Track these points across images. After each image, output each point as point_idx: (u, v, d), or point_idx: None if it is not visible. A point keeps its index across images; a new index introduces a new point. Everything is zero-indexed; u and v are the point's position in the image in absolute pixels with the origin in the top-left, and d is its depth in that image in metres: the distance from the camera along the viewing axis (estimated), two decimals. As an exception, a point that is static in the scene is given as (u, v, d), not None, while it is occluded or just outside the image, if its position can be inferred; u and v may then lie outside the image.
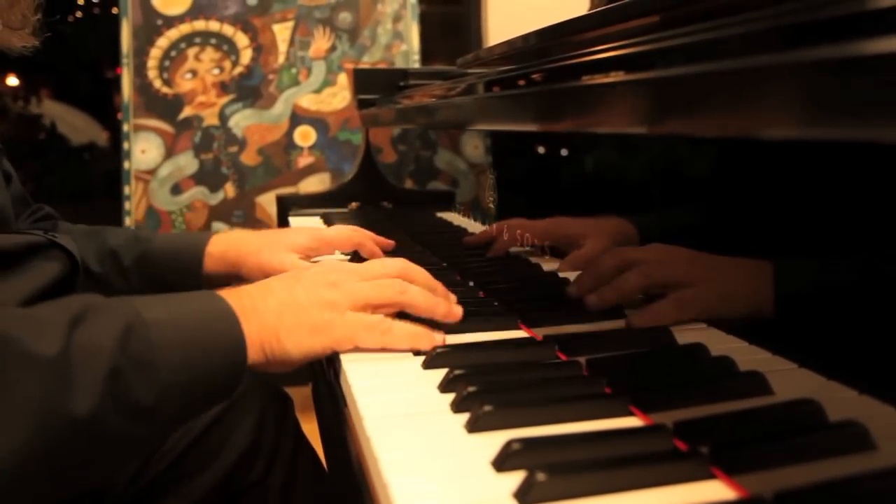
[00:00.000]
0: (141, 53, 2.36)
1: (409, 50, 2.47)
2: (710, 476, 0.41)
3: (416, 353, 0.63)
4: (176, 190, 2.37)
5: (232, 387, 0.60)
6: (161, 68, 2.37)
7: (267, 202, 2.38)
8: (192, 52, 2.38)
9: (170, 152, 2.36)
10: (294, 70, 2.43)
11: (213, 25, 2.40)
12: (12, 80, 4.00)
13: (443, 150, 1.36)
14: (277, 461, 0.87)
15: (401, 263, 0.70)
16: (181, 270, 0.96)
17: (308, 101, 2.43)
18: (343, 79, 2.44)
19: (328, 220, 1.35)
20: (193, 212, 2.37)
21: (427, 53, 2.50)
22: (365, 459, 0.48)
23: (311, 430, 0.88)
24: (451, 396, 0.53)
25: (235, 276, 0.96)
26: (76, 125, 4.03)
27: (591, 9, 0.95)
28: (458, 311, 0.68)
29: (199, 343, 0.57)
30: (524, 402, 0.51)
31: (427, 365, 0.60)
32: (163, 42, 2.37)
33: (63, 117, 4.01)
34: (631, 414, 0.49)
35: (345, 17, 2.45)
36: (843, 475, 0.39)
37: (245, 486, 0.85)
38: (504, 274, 0.93)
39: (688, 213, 0.68)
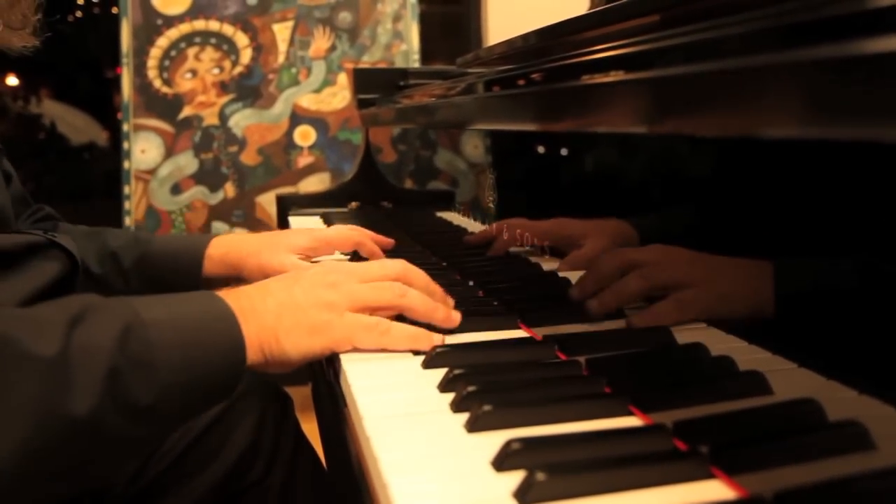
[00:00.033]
0: (141, 53, 2.36)
1: (408, 50, 2.47)
2: (709, 476, 0.41)
3: (416, 352, 0.63)
4: (176, 190, 2.37)
5: (231, 387, 0.60)
6: (161, 68, 2.36)
7: (267, 202, 2.38)
8: (191, 51, 2.38)
9: (170, 152, 2.36)
10: (294, 70, 2.43)
11: (213, 25, 2.40)
12: (12, 80, 4.00)
13: (443, 150, 1.36)
14: (277, 461, 0.87)
15: (400, 265, 0.70)
16: (181, 273, 0.96)
17: (308, 101, 2.43)
18: (343, 78, 2.44)
19: (328, 220, 1.35)
20: (193, 211, 2.37)
21: (427, 53, 2.50)
22: (365, 459, 0.48)
23: (310, 429, 0.88)
24: (450, 396, 0.53)
25: (235, 279, 0.96)
26: (76, 125, 4.03)
27: (590, 8, 0.95)
28: (456, 317, 0.68)
29: (198, 343, 0.57)
30: (524, 402, 0.51)
31: (427, 365, 0.60)
32: (163, 42, 2.37)
33: (63, 117, 4.01)
34: (630, 414, 0.49)
35: (345, 17, 2.45)
36: (842, 475, 0.39)
37: (245, 485, 0.85)
38: (504, 274, 0.93)
39: (688, 213, 0.68)
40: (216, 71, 2.39)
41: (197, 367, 0.57)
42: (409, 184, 1.53)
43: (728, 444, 0.42)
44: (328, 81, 2.44)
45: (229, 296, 0.62)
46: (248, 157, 2.40)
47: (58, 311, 0.54)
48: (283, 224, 1.50)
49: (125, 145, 2.35)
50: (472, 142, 1.20)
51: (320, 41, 2.45)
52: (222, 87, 2.39)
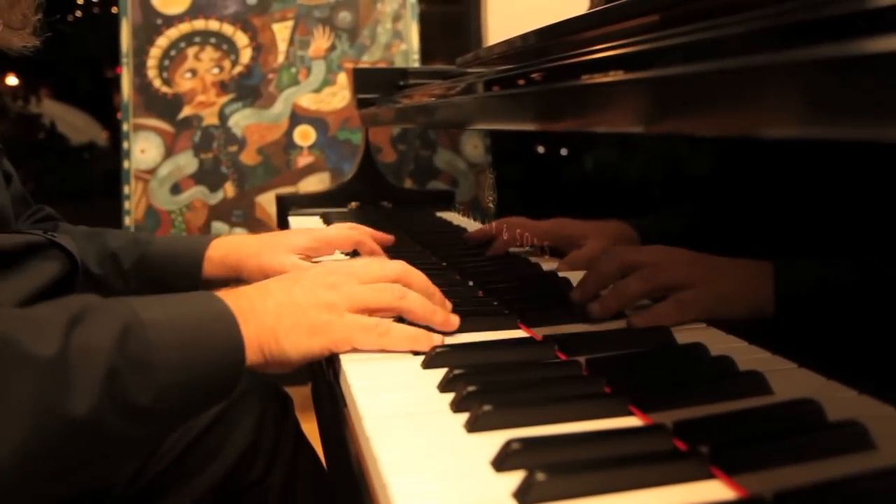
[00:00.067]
0: (140, 53, 2.36)
1: (408, 49, 2.47)
2: (709, 476, 0.41)
3: (416, 353, 0.63)
4: (175, 189, 2.37)
5: (230, 387, 0.60)
6: (161, 68, 2.36)
7: (267, 202, 2.38)
8: (191, 51, 2.38)
9: (169, 152, 2.36)
10: (294, 69, 2.43)
11: (213, 25, 2.40)
12: (12, 80, 4.00)
13: (442, 150, 1.36)
14: (277, 461, 0.87)
15: (400, 266, 0.70)
16: (180, 274, 0.96)
17: (308, 101, 2.43)
18: (343, 78, 2.44)
19: (328, 220, 1.35)
20: (193, 211, 2.37)
21: (427, 53, 2.50)
22: (364, 459, 0.48)
23: (310, 429, 0.88)
24: (450, 396, 0.53)
25: (235, 280, 0.96)
26: (76, 125, 4.02)
27: (590, 8, 0.95)
28: (454, 321, 0.68)
29: (197, 344, 0.57)
30: (524, 402, 0.51)
31: (426, 365, 0.60)
32: (162, 41, 2.37)
33: (63, 117, 4.01)
34: (630, 414, 0.49)
35: (344, 17, 2.45)
36: (842, 475, 0.39)
37: (245, 485, 0.85)
38: (503, 273, 0.93)
39: (688, 214, 0.68)
40: (216, 71, 2.39)
41: (196, 368, 0.57)
42: (408, 184, 1.53)
43: (728, 444, 0.42)
44: (328, 81, 2.44)
45: (228, 296, 0.62)
46: (248, 157, 2.40)
47: (57, 311, 0.54)
48: (282, 224, 1.50)
49: (125, 145, 2.35)
50: (472, 142, 1.20)
51: (320, 41, 2.44)
52: (222, 87, 2.39)
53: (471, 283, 0.85)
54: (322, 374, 0.71)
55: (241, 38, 2.41)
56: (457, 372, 0.56)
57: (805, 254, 0.55)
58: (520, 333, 0.68)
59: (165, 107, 2.36)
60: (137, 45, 2.36)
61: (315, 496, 0.90)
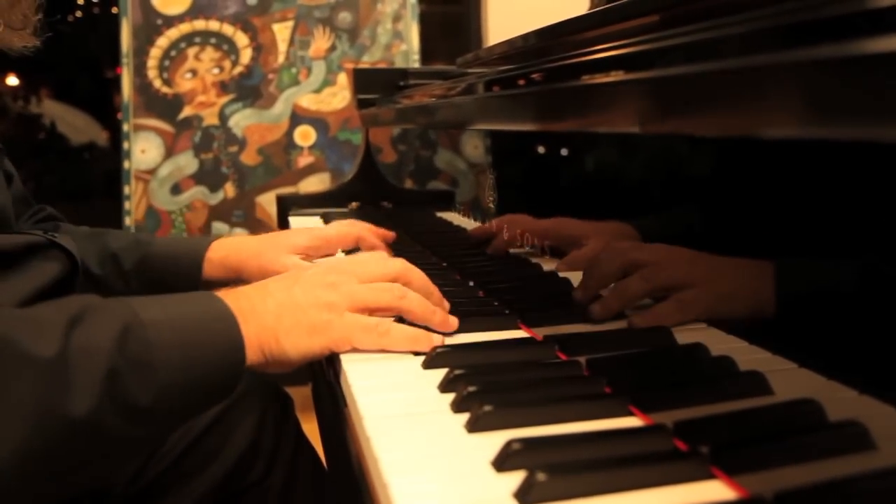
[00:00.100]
0: (141, 53, 2.36)
1: (408, 50, 2.47)
2: (710, 476, 0.41)
3: (416, 353, 0.63)
4: (176, 190, 2.37)
5: (230, 387, 0.60)
6: (161, 68, 2.36)
7: (267, 202, 2.38)
8: (191, 51, 2.38)
9: (170, 152, 2.36)
10: (294, 70, 2.43)
11: (213, 25, 2.40)
12: (12, 80, 4.00)
13: (443, 150, 1.36)
14: (278, 461, 0.87)
15: (400, 265, 0.70)
16: (180, 275, 0.96)
17: (308, 101, 2.43)
18: (343, 78, 2.44)
19: (328, 220, 1.35)
20: (193, 211, 2.37)
21: (427, 53, 2.50)
22: (365, 459, 0.48)
23: (311, 429, 0.88)
24: (451, 396, 0.53)
25: (236, 282, 0.95)
26: (76, 125, 4.03)
27: (590, 8, 0.95)
28: (453, 322, 0.68)
29: (197, 344, 0.57)
30: (524, 402, 0.51)
31: (427, 365, 0.60)
32: (163, 42, 2.37)
33: (63, 117, 4.01)
34: (631, 414, 0.49)
35: (345, 17, 2.45)
36: (843, 475, 0.39)
37: (245, 486, 0.85)
38: (504, 274, 0.93)
39: (689, 214, 0.68)
40: (216, 71, 2.39)
41: (196, 368, 0.57)
42: (409, 184, 1.53)
43: (728, 444, 0.42)
44: (328, 81, 2.44)
45: (229, 296, 0.62)
46: (249, 157, 2.40)
47: (57, 311, 0.54)
48: (283, 224, 1.50)
49: (125, 145, 2.35)
50: (473, 142, 1.20)
51: (320, 41, 2.45)
52: (222, 87, 2.39)
53: (471, 284, 0.85)
54: (322, 374, 0.71)
55: (242, 39, 2.41)
56: (457, 372, 0.56)
57: (806, 254, 0.55)
58: (520, 333, 0.68)
59: (166, 107, 2.36)
60: (138, 46, 2.36)
61: (315, 496, 0.90)
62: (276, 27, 2.43)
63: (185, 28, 2.38)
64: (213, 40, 2.40)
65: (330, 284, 0.65)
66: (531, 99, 0.68)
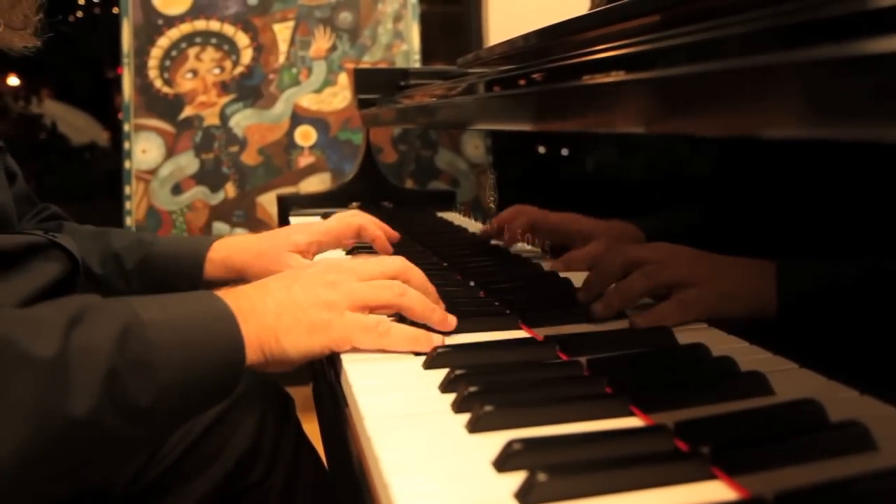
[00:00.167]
0: (141, 53, 2.36)
1: (409, 50, 2.47)
2: (710, 476, 0.41)
3: (417, 353, 0.63)
4: (177, 190, 2.37)
5: (231, 387, 0.60)
6: (162, 68, 2.37)
7: (268, 202, 2.38)
8: (192, 51, 2.38)
9: (170, 152, 2.36)
10: (294, 70, 2.43)
11: (214, 25, 2.40)
12: (13, 80, 4.00)
13: (443, 150, 1.36)
14: (278, 461, 0.87)
15: (399, 262, 0.70)
16: (181, 275, 0.95)
17: (308, 101, 2.43)
18: (343, 78, 2.44)
19: (328, 220, 1.35)
20: (194, 212, 2.37)
21: (427, 53, 2.50)
22: (366, 459, 0.48)
23: (312, 429, 0.88)
24: (451, 396, 0.53)
25: (237, 282, 0.95)
26: (77, 125, 4.03)
27: (591, 8, 0.95)
28: (452, 321, 0.68)
29: (197, 343, 0.57)
30: (525, 403, 0.51)
31: (428, 365, 0.60)
32: (163, 42, 2.37)
33: (64, 117, 4.02)
34: (632, 414, 0.49)
35: (345, 17, 2.45)
36: (844, 476, 0.39)
37: (246, 486, 0.85)
38: (504, 274, 0.93)
39: (691, 214, 0.68)
40: (217, 71, 2.39)
41: (196, 368, 0.57)
42: (409, 184, 1.53)
43: (729, 444, 0.42)
44: (329, 81, 2.44)
45: (228, 296, 0.62)
46: (249, 158, 2.40)
47: (56, 311, 0.54)
48: (283, 224, 1.50)
49: (126, 145, 2.35)
50: (473, 142, 1.20)
51: (321, 41, 2.45)
52: (223, 88, 2.39)
53: (472, 284, 0.85)
54: (323, 374, 0.71)
55: (242, 39, 2.41)
56: (458, 372, 0.56)
57: (807, 254, 0.55)
58: (521, 334, 0.68)
59: (166, 107, 2.36)
60: (138, 46, 2.36)
61: (316, 497, 0.90)
62: (276, 27, 2.43)
63: (185, 28, 2.38)
64: (213, 40, 2.40)
65: (330, 283, 0.65)
66: (532, 99, 0.68)
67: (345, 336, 0.63)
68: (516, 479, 0.41)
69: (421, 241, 1.13)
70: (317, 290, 0.64)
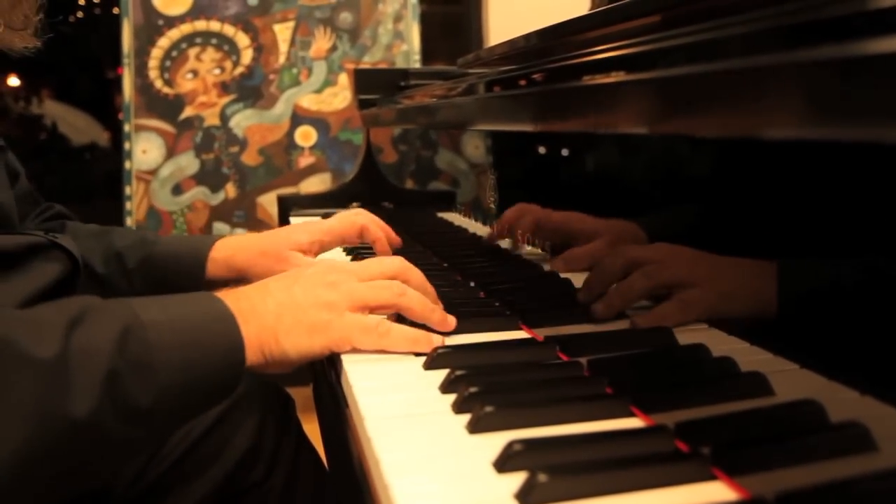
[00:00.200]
0: (142, 53, 2.36)
1: (409, 50, 2.47)
2: (711, 477, 0.41)
3: (417, 354, 0.63)
4: (177, 190, 2.37)
5: (231, 388, 0.60)
6: (162, 68, 2.37)
7: (268, 202, 2.38)
8: (192, 52, 2.38)
9: (171, 152, 2.36)
10: (295, 70, 2.43)
11: (214, 25, 2.40)
12: (13, 81, 4.00)
13: (444, 151, 1.36)
14: (279, 462, 0.87)
15: (398, 262, 0.70)
16: (183, 275, 0.95)
17: (309, 101, 2.43)
18: (344, 79, 2.44)
19: (329, 221, 1.35)
20: (194, 212, 2.37)
21: (428, 53, 2.50)
22: (366, 460, 0.48)
23: (312, 430, 0.88)
24: (452, 397, 0.53)
25: (239, 281, 0.95)
26: (77, 125, 4.03)
27: (592, 9, 0.95)
28: (451, 321, 0.68)
29: (197, 344, 0.57)
30: (525, 403, 0.51)
31: (428, 366, 0.60)
32: (164, 42, 2.37)
33: (64, 117, 4.02)
34: (632, 415, 0.49)
35: (345, 17, 2.45)
36: (844, 476, 0.39)
37: (246, 487, 0.85)
38: (505, 274, 0.93)
39: (692, 214, 0.68)
40: (217, 71, 2.39)
41: (196, 369, 0.57)
42: (410, 184, 1.53)
43: (730, 445, 0.42)
44: (329, 82, 2.44)
45: (228, 296, 0.62)
46: (249, 158, 2.40)
47: (57, 312, 0.54)
48: (284, 225, 1.50)
49: (126, 146, 2.35)
50: (474, 142, 1.20)
51: (321, 41, 2.45)
52: (223, 88, 2.39)
53: (472, 284, 0.85)
54: (323, 374, 0.71)
55: (243, 39, 2.41)
56: (458, 373, 0.55)
57: (808, 254, 0.55)
58: (521, 334, 0.68)
59: (167, 107, 2.36)
60: (139, 46, 2.36)
61: (316, 497, 0.90)
62: (276, 27, 2.43)
63: (186, 28, 2.38)
64: (214, 41, 2.40)
65: (330, 284, 0.65)
66: (532, 99, 0.68)
67: (344, 336, 0.63)
68: (517, 479, 0.41)
69: (421, 241, 1.13)
70: (317, 290, 0.64)
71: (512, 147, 1.06)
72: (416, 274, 0.70)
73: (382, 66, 2.44)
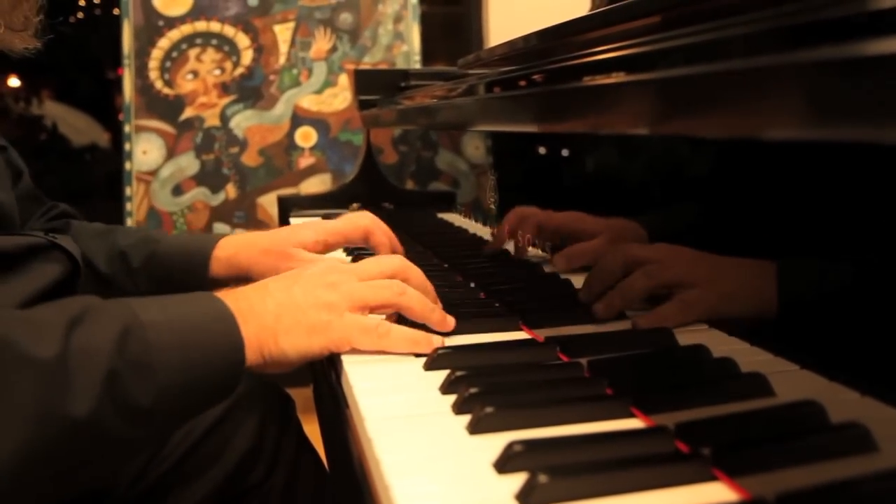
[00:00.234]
0: (142, 54, 2.36)
1: (409, 51, 2.47)
2: (711, 478, 0.41)
3: (417, 354, 0.63)
4: (177, 191, 2.37)
5: (230, 388, 0.60)
6: (162, 69, 2.37)
7: (268, 203, 2.38)
8: (193, 52, 2.38)
9: (171, 153, 2.36)
10: (295, 71, 2.43)
11: (215, 26, 2.40)
12: (14, 82, 4.00)
13: (444, 151, 1.36)
14: (279, 463, 0.87)
15: (398, 262, 0.70)
16: (187, 273, 0.94)
17: (309, 102, 2.43)
18: (344, 79, 2.44)
19: (329, 221, 1.35)
20: (194, 213, 2.37)
21: (428, 54, 2.50)
22: (366, 461, 0.48)
23: (312, 430, 0.88)
24: (452, 398, 0.53)
25: (243, 280, 0.94)
26: (77, 126, 4.03)
27: (592, 9, 0.95)
28: (450, 321, 0.68)
29: (196, 344, 0.57)
30: (526, 404, 0.51)
31: (428, 366, 0.60)
32: (164, 43, 2.37)
33: (64, 118, 4.02)
34: (632, 415, 0.49)
35: (346, 18, 2.45)
36: (844, 477, 0.39)
37: (246, 487, 0.85)
38: (505, 275, 0.93)
39: (692, 214, 0.68)
40: (217, 72, 2.39)
41: (196, 369, 0.57)
42: (410, 185, 1.53)
43: (730, 446, 0.42)
44: (329, 82, 2.44)
45: (228, 297, 0.62)
46: (250, 159, 2.40)
47: (56, 312, 0.54)
48: (284, 225, 1.50)
49: (126, 146, 2.35)
50: (474, 143, 1.20)
51: (321, 42, 2.45)
52: (223, 89, 2.39)
53: (472, 285, 0.85)
54: (324, 375, 0.71)
55: (243, 40, 2.41)
56: (459, 374, 0.56)
57: (808, 255, 0.55)
58: (521, 335, 0.68)
59: (167, 108, 2.36)
60: (139, 47, 2.36)
61: (317, 498, 0.90)
62: (277, 28, 2.43)
63: (186, 29, 2.38)
64: (214, 41, 2.40)
65: (330, 284, 0.65)
66: (532, 100, 0.68)
67: (344, 337, 0.63)
68: (517, 480, 0.41)
69: (421, 242, 1.13)
70: (317, 291, 0.64)
71: (512, 148, 1.06)
72: (416, 273, 0.70)
73: (383, 66, 2.44)
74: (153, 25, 2.37)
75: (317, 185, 2.40)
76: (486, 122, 0.92)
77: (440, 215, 1.34)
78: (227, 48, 2.40)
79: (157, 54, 2.37)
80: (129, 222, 2.33)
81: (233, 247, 0.95)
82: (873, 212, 0.49)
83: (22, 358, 0.50)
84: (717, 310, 0.65)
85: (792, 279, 0.56)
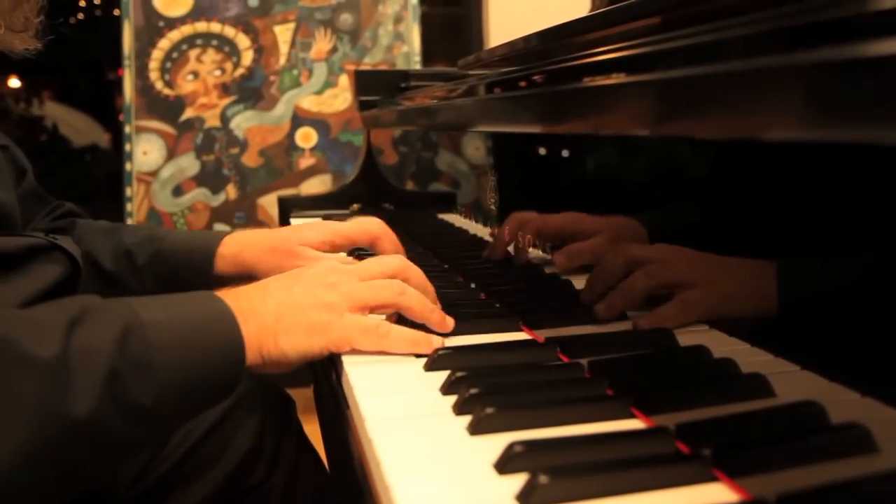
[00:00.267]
0: (142, 55, 2.36)
1: (410, 51, 2.47)
2: (712, 478, 0.41)
3: (418, 355, 0.63)
4: (177, 191, 2.37)
5: (231, 387, 0.60)
6: (162, 70, 2.37)
7: (268, 203, 2.38)
8: (193, 53, 2.38)
9: (171, 154, 2.36)
10: (295, 71, 2.43)
11: (215, 27, 2.40)
12: (14, 82, 4.00)
13: (444, 152, 1.36)
14: (280, 463, 0.87)
15: (398, 261, 0.70)
16: (192, 270, 0.94)
17: (309, 103, 2.43)
18: (344, 80, 2.44)
19: (329, 222, 1.35)
20: (195, 213, 2.37)
21: (428, 55, 2.50)
22: (367, 461, 0.48)
23: (312, 431, 0.88)
24: (452, 398, 0.53)
25: (248, 278, 0.93)
26: (78, 127, 4.03)
27: (592, 10, 0.95)
28: (450, 322, 0.67)
29: (197, 344, 0.57)
30: (526, 405, 0.51)
31: (429, 367, 0.60)
32: (164, 44, 2.37)
33: (65, 119, 4.02)
34: (633, 416, 0.49)
35: (346, 19, 2.46)
36: (845, 477, 0.39)
37: (247, 488, 0.85)
38: (505, 276, 0.93)
39: (693, 214, 0.68)
40: (218, 73, 2.39)
41: (196, 368, 0.57)
42: (410, 185, 1.53)
43: (730, 446, 0.42)
44: (329, 83, 2.44)
45: (229, 296, 0.62)
46: (250, 159, 2.40)
47: (57, 312, 0.54)
48: (284, 226, 1.50)
49: (127, 147, 2.35)
50: (474, 143, 1.20)
51: (321, 43, 2.45)
52: (224, 89, 2.39)
53: (473, 286, 0.85)
54: (324, 375, 0.71)
55: (243, 41, 2.41)
56: (459, 374, 0.56)
57: (809, 255, 0.55)
58: (522, 336, 0.68)
59: (167, 109, 2.36)
60: (139, 48, 2.36)
61: (317, 499, 0.90)
62: (277, 29, 2.43)
63: (186, 30, 2.38)
64: (214, 42, 2.40)
65: (330, 284, 0.65)
66: (533, 101, 0.68)
67: (344, 337, 0.63)
68: (518, 481, 0.41)
69: (422, 242, 1.13)
70: (317, 291, 0.64)
71: (512, 148, 1.06)
72: (417, 273, 0.70)
73: (383, 67, 2.44)
74: (153, 26, 2.37)
75: (317, 185, 2.40)
76: (487, 122, 0.92)
77: (440, 216, 1.34)
78: (228, 49, 2.40)
79: (157, 55, 2.37)
80: (130, 223, 2.33)
81: (238, 244, 0.94)
82: (873, 212, 0.49)
83: (23, 357, 0.50)
84: (718, 310, 0.65)
85: (792, 279, 0.56)
